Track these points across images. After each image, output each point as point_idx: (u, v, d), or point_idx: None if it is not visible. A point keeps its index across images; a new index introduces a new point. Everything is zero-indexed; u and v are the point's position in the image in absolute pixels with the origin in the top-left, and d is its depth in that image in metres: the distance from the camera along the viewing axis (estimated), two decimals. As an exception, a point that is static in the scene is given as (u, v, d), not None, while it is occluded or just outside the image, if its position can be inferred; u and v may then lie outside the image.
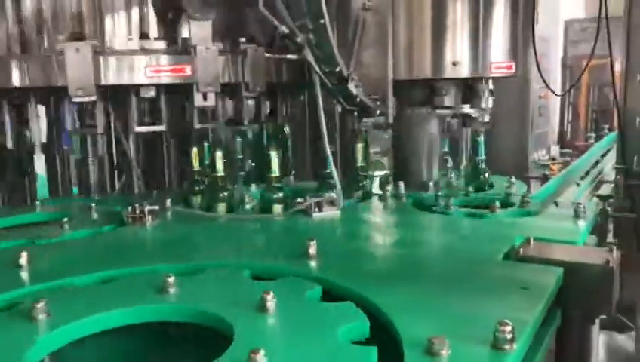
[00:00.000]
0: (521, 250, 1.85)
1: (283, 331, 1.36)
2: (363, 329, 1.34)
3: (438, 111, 2.96)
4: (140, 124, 2.95)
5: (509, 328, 1.22)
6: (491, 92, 2.92)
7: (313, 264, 1.83)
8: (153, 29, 2.87)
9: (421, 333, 1.27)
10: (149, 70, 2.64)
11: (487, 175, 2.90)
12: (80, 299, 1.58)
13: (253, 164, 3.32)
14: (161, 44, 2.75)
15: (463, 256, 1.95)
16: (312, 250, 1.88)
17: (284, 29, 2.32)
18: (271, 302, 1.41)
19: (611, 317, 1.85)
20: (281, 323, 1.38)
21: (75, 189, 3.36)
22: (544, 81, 3.28)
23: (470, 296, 1.53)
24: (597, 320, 1.78)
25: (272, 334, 1.36)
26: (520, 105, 3.79)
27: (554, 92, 3.73)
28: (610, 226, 2.78)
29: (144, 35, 2.81)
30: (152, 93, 2.77)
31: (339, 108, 3.86)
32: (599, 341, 1.96)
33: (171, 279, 1.57)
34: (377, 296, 1.50)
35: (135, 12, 2.85)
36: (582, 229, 2.14)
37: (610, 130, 6.38)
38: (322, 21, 2.29)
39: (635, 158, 3.32)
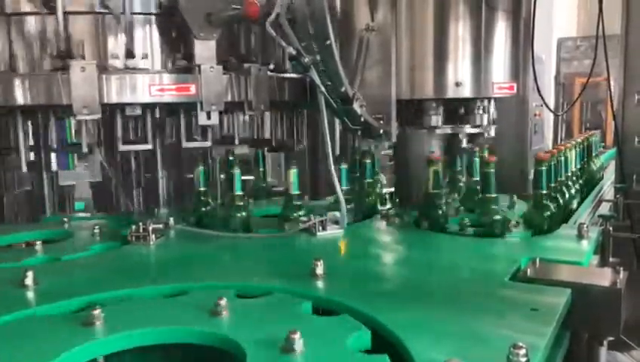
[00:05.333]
0: (528, 270, 1.86)
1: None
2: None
3: (439, 130, 2.98)
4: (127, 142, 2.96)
5: (523, 351, 1.23)
6: (485, 110, 2.94)
7: (320, 284, 1.83)
8: (157, 48, 2.87)
9: (435, 356, 1.27)
10: (153, 89, 2.65)
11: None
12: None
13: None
14: (165, 63, 2.77)
15: (469, 276, 1.96)
16: (319, 270, 1.88)
17: (291, 49, 2.34)
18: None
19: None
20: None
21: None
22: (544, 101, 3.31)
23: (481, 318, 1.53)
24: (605, 342, 1.78)
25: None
26: (519, 124, 3.82)
27: (554, 112, 3.77)
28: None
29: (148, 54, 2.82)
30: (138, 111, 2.78)
31: (338, 127, 3.90)
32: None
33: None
34: (388, 317, 1.50)
35: (139, 31, 2.86)
36: (586, 249, 2.15)
37: (605, 147, 6.43)
38: (328, 42, 2.31)
39: (634, 177, 3.36)
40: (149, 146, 2.94)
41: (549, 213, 2.45)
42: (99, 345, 1.43)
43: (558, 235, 2.37)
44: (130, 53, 2.80)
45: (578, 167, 3.30)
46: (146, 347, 1.50)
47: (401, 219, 2.71)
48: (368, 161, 2.91)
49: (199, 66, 2.71)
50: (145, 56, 2.82)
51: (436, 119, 2.92)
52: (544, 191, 2.45)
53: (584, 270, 1.95)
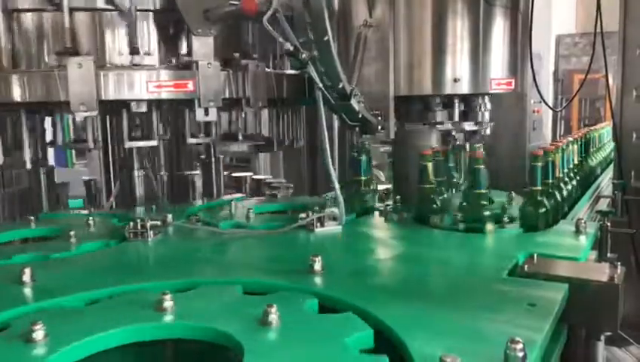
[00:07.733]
0: (526, 266, 1.86)
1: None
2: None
3: (438, 126, 2.97)
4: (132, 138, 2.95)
5: (520, 346, 1.23)
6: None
7: (319, 280, 1.83)
8: (154, 45, 2.86)
9: (432, 351, 1.27)
10: (150, 85, 2.64)
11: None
12: (79, 318, 1.56)
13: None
14: (162, 60, 2.76)
15: (467, 272, 1.96)
16: (318, 266, 1.88)
17: (288, 45, 2.33)
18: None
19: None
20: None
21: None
22: (542, 98, 3.32)
23: (478, 314, 1.54)
24: (602, 337, 1.79)
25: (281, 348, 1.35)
26: (517, 121, 3.82)
27: (552, 108, 3.78)
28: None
29: (145, 51, 2.81)
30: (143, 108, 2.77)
31: (336, 123, 3.90)
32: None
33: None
34: (386, 313, 1.50)
35: (136, 27, 2.84)
36: (584, 245, 2.15)
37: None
38: (326, 38, 2.30)
39: (633, 173, 3.36)
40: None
41: (544, 209, 2.43)
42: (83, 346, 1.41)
43: (556, 231, 2.38)
44: (126, 50, 2.79)
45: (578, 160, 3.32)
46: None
47: (400, 215, 2.71)
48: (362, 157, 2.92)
49: (197, 63, 2.69)
50: (142, 53, 2.80)
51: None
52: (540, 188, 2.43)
53: (582, 265, 1.96)
